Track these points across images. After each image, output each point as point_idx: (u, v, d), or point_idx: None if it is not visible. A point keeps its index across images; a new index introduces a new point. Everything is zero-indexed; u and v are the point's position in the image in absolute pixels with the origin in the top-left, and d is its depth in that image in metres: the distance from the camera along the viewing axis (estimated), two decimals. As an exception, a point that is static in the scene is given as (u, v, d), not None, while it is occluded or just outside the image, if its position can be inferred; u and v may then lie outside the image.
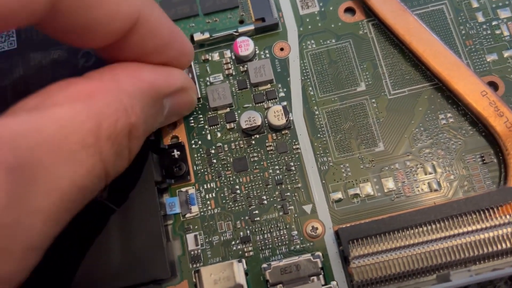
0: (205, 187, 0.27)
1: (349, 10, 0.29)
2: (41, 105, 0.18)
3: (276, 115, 0.27)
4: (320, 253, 0.25)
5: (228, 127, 0.28)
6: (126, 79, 0.21)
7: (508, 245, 0.23)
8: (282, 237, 0.26)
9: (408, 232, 0.24)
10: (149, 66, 0.23)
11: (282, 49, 0.29)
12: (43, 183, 0.17)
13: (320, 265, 0.25)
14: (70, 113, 0.18)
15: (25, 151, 0.16)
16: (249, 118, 0.27)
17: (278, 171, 0.27)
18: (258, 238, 0.26)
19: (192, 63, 0.28)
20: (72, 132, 0.18)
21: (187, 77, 0.25)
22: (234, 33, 0.29)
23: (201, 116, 0.28)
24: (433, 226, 0.24)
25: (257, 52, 0.29)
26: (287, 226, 0.26)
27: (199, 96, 0.28)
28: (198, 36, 0.29)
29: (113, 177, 0.21)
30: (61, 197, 0.17)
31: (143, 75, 0.22)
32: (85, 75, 0.21)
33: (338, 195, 0.26)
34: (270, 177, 0.27)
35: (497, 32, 0.28)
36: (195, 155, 0.27)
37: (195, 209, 0.27)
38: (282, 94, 0.28)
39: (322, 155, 0.27)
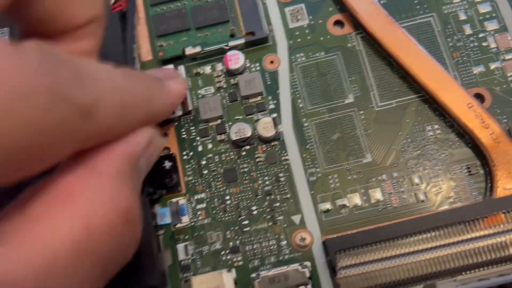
0: (196, 197, 0.27)
1: (338, 23, 0.30)
2: (15, 232, 0.16)
3: (265, 126, 0.27)
4: (308, 263, 0.25)
5: (218, 138, 0.28)
6: (101, 161, 0.19)
7: (494, 255, 0.24)
8: (271, 247, 0.26)
9: (395, 242, 0.25)
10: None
11: (272, 62, 0.29)
12: None
13: (308, 275, 0.25)
14: (51, 232, 0.16)
15: None
16: (239, 130, 0.27)
17: (267, 182, 0.27)
18: (247, 248, 0.26)
19: (184, 76, 0.29)
20: (61, 245, 0.16)
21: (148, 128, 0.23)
22: (225, 47, 0.29)
23: (192, 127, 0.29)
24: (420, 237, 0.25)
25: (248, 65, 0.29)
26: (276, 236, 0.26)
27: (190, 109, 0.29)
28: (190, 50, 0.29)
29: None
30: None
31: (114, 149, 0.20)
32: (57, 170, 0.19)
33: (327, 205, 0.27)
34: (260, 187, 0.27)
35: (484, 44, 0.28)
36: (186, 166, 0.28)
37: (185, 219, 0.27)
38: (272, 106, 0.29)
39: (310, 166, 0.27)
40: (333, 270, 0.25)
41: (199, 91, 0.29)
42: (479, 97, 0.28)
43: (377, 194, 0.27)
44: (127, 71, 0.22)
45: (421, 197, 0.26)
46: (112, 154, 0.19)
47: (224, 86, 0.29)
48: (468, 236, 0.24)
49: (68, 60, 0.17)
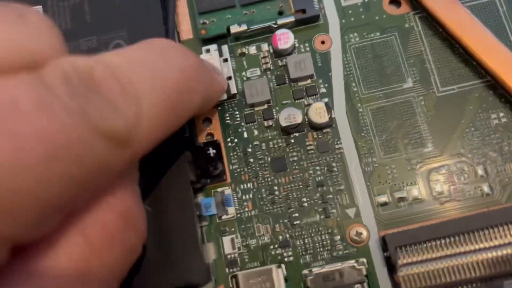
0: (242, 187, 0.26)
1: (394, 1, 0.28)
2: None
3: (318, 112, 0.25)
4: (364, 260, 0.24)
5: (265, 124, 0.26)
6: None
7: None
8: (324, 242, 0.24)
9: (459, 239, 0.23)
10: None
11: (323, 42, 0.27)
12: None
13: (365, 273, 0.23)
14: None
15: None
16: (289, 115, 0.25)
17: (319, 172, 0.25)
18: (298, 243, 0.25)
19: (228, 57, 0.27)
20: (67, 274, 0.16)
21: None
22: (273, 25, 0.27)
23: (237, 113, 0.27)
24: (486, 233, 0.23)
25: (297, 45, 0.27)
26: (329, 231, 0.25)
27: (235, 92, 0.27)
28: (235, 28, 0.27)
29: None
30: None
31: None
32: None
33: (384, 198, 0.25)
34: (311, 178, 0.25)
35: (554, 26, 0.26)
36: (231, 154, 0.26)
37: (231, 210, 0.25)
38: (323, 90, 0.27)
39: (366, 155, 0.25)
40: (392, 267, 0.23)
41: (243, 73, 0.27)
42: (550, 83, 0.25)
43: (438, 186, 0.25)
44: (178, 49, 0.20)
45: (487, 190, 0.24)
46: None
47: (271, 68, 0.27)
48: (540, 233, 0.23)
49: (98, 79, 0.15)
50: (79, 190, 0.15)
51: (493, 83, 0.26)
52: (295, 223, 0.25)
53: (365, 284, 0.23)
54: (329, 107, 0.25)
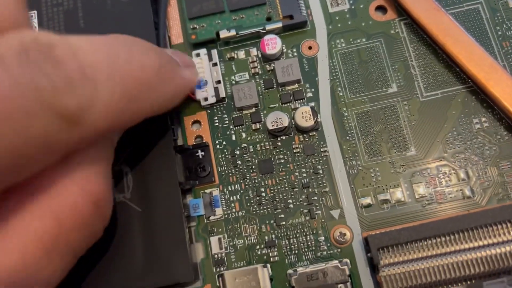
0: (230, 189, 0.26)
1: (380, 8, 0.28)
2: None
3: (304, 116, 0.26)
4: (348, 260, 0.24)
5: (253, 127, 0.27)
6: None
7: (545, 256, 0.23)
8: (309, 243, 0.25)
9: (440, 240, 0.23)
10: None
11: (310, 48, 0.28)
12: None
13: (348, 273, 0.24)
14: (22, 231, 0.16)
15: None
16: (276, 119, 0.26)
17: (305, 174, 0.26)
18: (283, 243, 0.25)
19: (217, 61, 0.28)
20: (30, 244, 0.16)
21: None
22: (261, 30, 0.28)
23: (226, 116, 0.27)
24: (466, 235, 0.23)
25: (285, 50, 0.28)
26: (314, 231, 0.25)
27: (224, 95, 0.27)
28: (224, 34, 0.28)
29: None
30: None
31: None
32: None
33: (367, 200, 0.25)
34: (297, 180, 0.26)
35: (536, 33, 0.27)
36: (220, 156, 0.27)
37: (219, 211, 0.26)
38: (310, 95, 0.27)
39: (351, 158, 0.26)
40: (374, 267, 0.24)
41: (232, 77, 0.28)
42: (531, 89, 0.26)
43: (421, 189, 0.25)
44: (142, 46, 0.20)
45: (468, 193, 0.25)
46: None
47: (260, 72, 0.28)
48: (518, 235, 0.23)
49: (58, 56, 0.16)
50: (19, 162, 0.15)
51: (476, 89, 0.26)
52: (281, 223, 0.25)
53: (348, 284, 0.24)
54: (314, 111, 0.26)
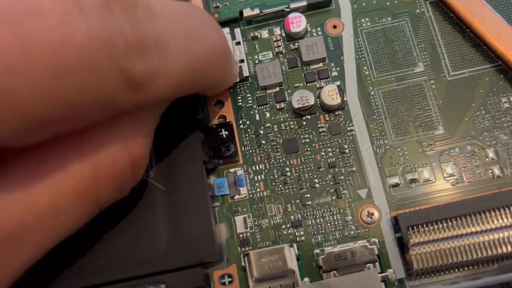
0: (254, 168, 0.26)
1: (405, -13, 0.28)
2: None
3: (330, 94, 0.26)
4: (376, 240, 0.24)
5: (277, 107, 0.27)
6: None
7: None
8: (336, 222, 0.25)
9: (470, 219, 0.23)
10: None
11: (335, 27, 0.27)
12: None
13: (376, 252, 0.23)
14: (63, 170, 0.16)
15: None
16: (302, 98, 0.26)
17: (330, 154, 0.26)
18: (310, 223, 0.25)
19: (241, 41, 0.27)
20: (65, 191, 0.16)
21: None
22: (285, 9, 0.27)
23: (249, 95, 0.27)
24: (497, 213, 0.23)
25: (309, 29, 0.28)
26: (341, 211, 0.25)
27: (248, 75, 0.27)
28: (247, 12, 0.27)
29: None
30: None
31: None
32: None
33: (395, 179, 0.25)
34: (323, 159, 0.26)
35: None
36: (243, 136, 0.26)
37: (243, 191, 0.25)
38: (335, 74, 0.27)
39: (378, 137, 0.26)
40: (404, 247, 0.24)
41: (256, 57, 0.28)
42: (560, 67, 0.26)
43: (449, 168, 0.25)
44: (215, 28, 0.21)
45: (497, 172, 0.25)
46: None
47: (283, 51, 0.27)
48: (550, 215, 0.23)
49: (139, 16, 0.15)
50: (74, 115, 0.15)
51: (504, 68, 0.26)
52: (306, 203, 0.25)
53: (377, 264, 0.23)
54: (341, 90, 0.26)
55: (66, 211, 0.17)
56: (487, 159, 0.25)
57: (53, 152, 0.16)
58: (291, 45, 0.27)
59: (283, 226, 0.25)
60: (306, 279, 0.23)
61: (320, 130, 0.26)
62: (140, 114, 0.19)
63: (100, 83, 0.14)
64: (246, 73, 0.27)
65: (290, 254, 0.24)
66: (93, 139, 0.17)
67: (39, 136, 0.15)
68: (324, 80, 0.27)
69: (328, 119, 0.26)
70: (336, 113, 0.26)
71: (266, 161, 0.26)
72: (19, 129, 0.14)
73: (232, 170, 0.26)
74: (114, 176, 0.18)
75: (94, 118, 0.16)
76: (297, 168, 0.26)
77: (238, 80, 0.27)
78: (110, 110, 0.16)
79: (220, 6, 0.28)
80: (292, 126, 0.26)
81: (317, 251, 0.24)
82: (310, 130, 0.26)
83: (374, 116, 0.26)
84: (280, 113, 0.27)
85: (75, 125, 0.16)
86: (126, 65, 0.15)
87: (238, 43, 0.27)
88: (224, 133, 0.26)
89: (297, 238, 0.25)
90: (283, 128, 0.26)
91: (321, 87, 0.26)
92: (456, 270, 0.23)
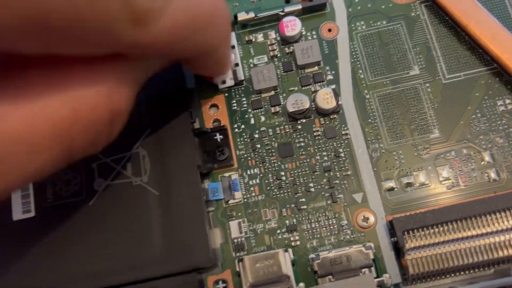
0: (249, 172, 0.26)
1: (400, -10, 0.28)
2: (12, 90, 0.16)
3: (325, 98, 0.25)
4: (372, 244, 0.24)
5: (272, 110, 0.26)
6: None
7: None
8: (331, 227, 0.24)
9: (466, 223, 0.23)
10: None
11: (330, 30, 0.27)
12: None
13: (372, 257, 0.23)
14: (42, 102, 0.16)
15: None
16: (296, 101, 0.26)
17: (326, 158, 0.25)
18: (305, 227, 0.25)
19: (235, 44, 0.27)
20: (42, 124, 0.16)
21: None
22: (280, 12, 0.27)
23: (244, 99, 0.27)
24: (493, 217, 0.23)
25: (304, 33, 0.27)
26: (336, 216, 0.25)
27: (242, 78, 0.27)
28: (242, 16, 0.27)
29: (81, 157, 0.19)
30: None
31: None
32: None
33: (391, 183, 0.25)
34: (318, 163, 0.25)
35: (559, 15, 0.26)
36: (238, 140, 0.26)
37: (238, 195, 0.25)
38: (330, 77, 0.27)
39: (373, 141, 0.25)
40: (399, 251, 0.23)
41: (251, 60, 0.27)
42: (555, 70, 0.26)
43: (445, 172, 0.25)
44: None
45: (493, 175, 0.24)
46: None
47: (278, 55, 0.27)
48: (547, 218, 0.23)
49: None
50: (69, 31, 0.14)
51: (499, 70, 0.26)
52: (302, 207, 0.25)
53: (373, 268, 0.23)
54: (336, 93, 0.26)
55: (39, 147, 0.16)
56: (483, 163, 0.25)
57: (37, 82, 0.16)
58: (286, 48, 0.27)
59: (278, 231, 0.25)
60: (301, 284, 0.23)
61: (315, 134, 0.26)
62: (129, 66, 0.19)
63: (103, 4, 0.14)
64: (241, 77, 0.27)
65: (285, 259, 0.24)
66: (78, 78, 0.17)
67: (35, 42, 0.15)
68: (319, 83, 0.27)
69: (323, 122, 0.26)
70: (331, 117, 0.26)
71: (261, 165, 0.26)
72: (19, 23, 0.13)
73: (226, 174, 0.26)
74: (91, 123, 0.17)
75: (86, 47, 0.16)
76: (292, 172, 0.25)
77: (232, 83, 0.26)
78: (107, 40, 0.16)
79: (215, 10, 0.28)
80: (287, 130, 0.26)
81: (312, 256, 0.24)
82: (305, 134, 0.26)
83: (370, 120, 0.26)
84: (275, 116, 0.26)
85: (67, 43, 0.15)
86: None
87: (233, 47, 0.27)
88: (218, 137, 0.26)
89: (292, 243, 0.24)
90: (278, 132, 0.26)
91: (316, 91, 0.26)
92: (452, 274, 0.23)
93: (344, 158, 0.25)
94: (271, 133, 0.26)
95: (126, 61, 0.18)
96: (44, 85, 0.16)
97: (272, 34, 0.28)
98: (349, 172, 0.25)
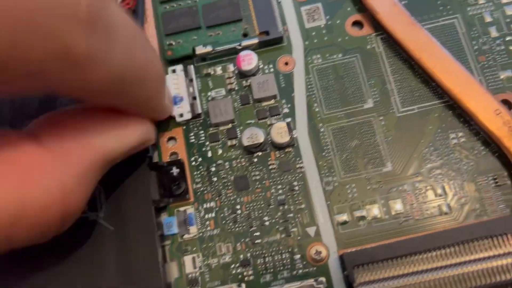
0: (205, 206, 0.26)
1: (357, 23, 0.28)
2: None
3: (279, 132, 0.26)
4: (323, 279, 0.24)
5: (229, 143, 0.27)
6: (76, 150, 0.18)
7: (524, 273, 0.22)
8: (284, 261, 0.25)
9: (416, 257, 0.23)
10: (100, 123, 0.20)
11: (286, 64, 0.28)
12: None
13: (323, 292, 0.23)
14: None
15: None
16: (251, 135, 0.26)
17: (280, 191, 0.26)
18: (259, 262, 0.25)
19: (194, 77, 0.28)
20: None
21: (147, 127, 0.23)
22: (237, 46, 0.28)
23: (202, 132, 0.27)
24: (443, 252, 0.23)
25: (261, 66, 0.28)
26: (290, 249, 0.25)
27: (200, 111, 0.27)
28: (200, 50, 0.28)
29: None
30: None
31: (95, 143, 0.19)
32: (31, 131, 0.18)
33: (344, 217, 0.25)
34: (273, 197, 0.26)
35: (512, 47, 0.27)
36: (195, 173, 0.26)
37: (193, 229, 0.25)
38: (286, 110, 0.27)
39: (327, 174, 0.26)
40: (350, 286, 0.24)
41: (209, 93, 0.28)
42: (507, 103, 0.26)
43: (397, 206, 0.25)
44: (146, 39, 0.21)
45: (445, 209, 0.25)
46: (90, 149, 0.19)
47: (236, 88, 0.28)
48: (496, 252, 0.23)
49: None
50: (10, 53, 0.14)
51: (452, 104, 0.26)
52: (256, 242, 0.25)
53: (324, 303, 0.23)
54: (290, 127, 0.26)
55: None
56: (435, 196, 0.25)
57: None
58: (244, 82, 0.28)
59: (232, 266, 0.25)
60: (254, 319, 0.23)
61: (270, 167, 0.26)
62: (87, 167, 0.19)
63: (38, 42, 0.14)
64: (198, 110, 0.27)
65: (238, 294, 0.24)
66: (39, 171, 0.16)
67: None
68: (275, 116, 0.27)
69: (278, 156, 0.26)
70: (286, 150, 0.26)
71: (217, 198, 0.26)
72: None
73: (182, 208, 0.26)
74: (38, 222, 0.17)
75: (18, 78, 0.15)
76: (247, 205, 0.26)
77: (190, 116, 0.27)
78: (39, 77, 0.15)
79: (174, 43, 0.28)
80: (244, 163, 0.26)
81: (265, 290, 0.24)
82: (261, 167, 0.26)
83: (324, 153, 0.26)
84: (232, 149, 0.27)
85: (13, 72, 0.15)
86: (71, 36, 0.14)
87: (191, 80, 0.27)
88: (175, 170, 0.26)
89: (246, 278, 0.25)
90: (235, 165, 0.26)
91: (272, 124, 0.26)
92: (404, 309, 0.23)
93: (298, 191, 0.26)
94: (227, 166, 0.26)
95: (89, 155, 0.18)
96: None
97: (231, 67, 0.28)
98: (303, 206, 0.25)
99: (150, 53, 0.20)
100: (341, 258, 0.24)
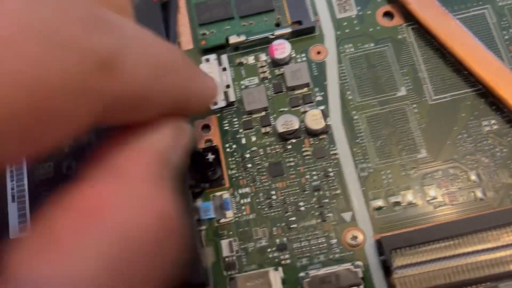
0: (240, 192, 0.26)
1: (387, 14, 0.29)
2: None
3: (314, 119, 0.26)
4: (361, 263, 0.24)
5: (263, 131, 0.27)
6: (128, 163, 0.16)
7: None
8: (321, 245, 0.25)
9: (453, 242, 0.23)
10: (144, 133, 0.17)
11: (319, 53, 0.28)
12: None
13: (361, 275, 0.24)
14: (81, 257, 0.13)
15: None
16: (286, 122, 0.26)
17: (315, 177, 0.26)
18: (295, 246, 0.25)
19: (227, 67, 0.28)
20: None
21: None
22: (270, 36, 0.28)
23: (235, 119, 0.27)
24: (480, 236, 0.23)
25: (293, 55, 0.28)
26: (326, 234, 0.25)
27: (234, 100, 0.27)
28: (233, 39, 0.28)
29: None
30: None
31: (141, 146, 0.17)
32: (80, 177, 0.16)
33: (379, 202, 0.25)
34: (307, 183, 0.26)
35: (542, 37, 0.27)
36: (230, 159, 0.27)
37: (229, 214, 0.26)
38: (319, 98, 0.27)
39: (361, 161, 0.26)
40: (387, 270, 0.24)
41: (242, 82, 0.28)
42: (539, 91, 0.26)
43: (432, 191, 0.25)
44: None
45: (479, 194, 0.25)
46: (139, 153, 0.17)
47: (269, 76, 0.28)
48: (532, 237, 0.23)
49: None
50: (45, 103, 0.12)
51: (484, 91, 0.26)
52: (292, 226, 0.25)
53: (361, 287, 0.24)
54: (324, 114, 0.26)
55: None
56: (469, 182, 0.25)
57: (68, 229, 0.14)
58: (276, 70, 0.28)
59: (269, 250, 0.25)
60: (291, 302, 0.24)
61: (304, 154, 0.26)
62: (154, 170, 0.17)
63: (58, 63, 0.13)
64: (232, 98, 0.27)
65: (275, 278, 0.24)
66: (112, 208, 0.15)
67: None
68: (308, 104, 0.27)
69: (312, 142, 0.27)
70: (320, 137, 0.27)
71: (252, 184, 0.26)
72: None
73: (218, 193, 0.26)
74: (148, 242, 0.15)
75: (73, 116, 0.14)
76: (282, 191, 0.26)
77: (224, 104, 0.27)
78: (86, 100, 0.14)
79: (207, 33, 0.29)
80: (278, 150, 0.27)
81: (302, 274, 0.24)
82: (295, 154, 0.26)
83: (357, 140, 0.26)
84: (266, 137, 0.27)
85: (54, 126, 0.13)
86: (83, 42, 0.13)
87: (224, 69, 0.28)
88: (210, 157, 0.26)
89: (282, 262, 0.25)
90: (269, 151, 0.27)
91: (305, 112, 0.27)
92: (440, 292, 0.23)
93: (333, 178, 0.26)
94: (261, 153, 0.27)
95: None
96: (74, 235, 0.14)
97: (263, 57, 0.28)
98: (338, 191, 0.26)
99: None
100: (379, 242, 0.24)
